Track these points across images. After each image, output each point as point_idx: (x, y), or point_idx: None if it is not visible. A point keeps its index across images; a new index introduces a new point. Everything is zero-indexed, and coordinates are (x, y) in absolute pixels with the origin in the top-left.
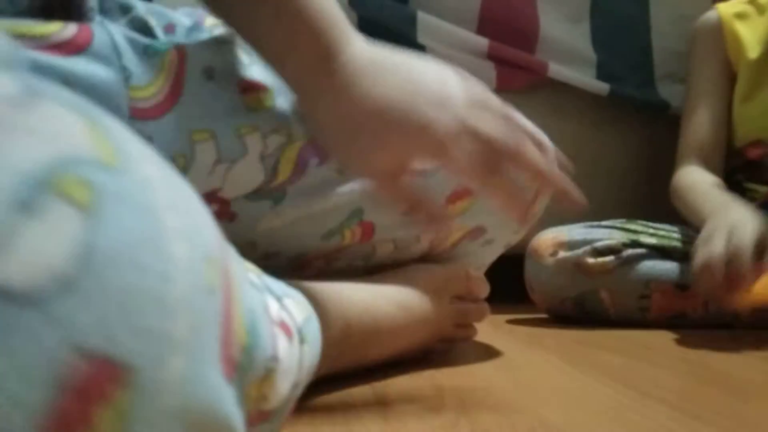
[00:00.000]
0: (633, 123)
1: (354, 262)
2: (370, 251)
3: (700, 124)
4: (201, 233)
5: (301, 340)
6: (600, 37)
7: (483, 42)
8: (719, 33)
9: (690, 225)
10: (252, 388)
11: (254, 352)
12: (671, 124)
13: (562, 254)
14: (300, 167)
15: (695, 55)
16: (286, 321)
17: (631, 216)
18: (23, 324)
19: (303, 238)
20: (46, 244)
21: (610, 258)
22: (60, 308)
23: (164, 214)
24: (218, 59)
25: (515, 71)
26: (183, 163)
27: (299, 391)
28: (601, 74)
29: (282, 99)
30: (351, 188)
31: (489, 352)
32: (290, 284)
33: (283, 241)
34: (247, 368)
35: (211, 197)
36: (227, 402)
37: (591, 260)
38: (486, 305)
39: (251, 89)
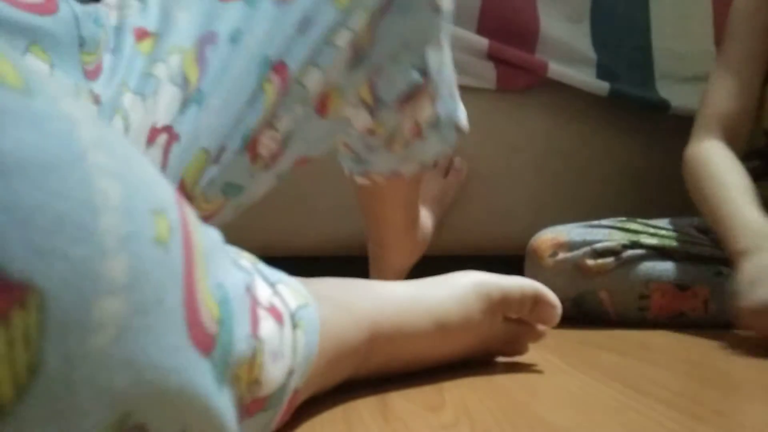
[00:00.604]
0: (633, 123)
1: (295, 112)
2: (301, 90)
3: (728, 90)
4: (144, 185)
5: (294, 325)
6: (600, 37)
7: (483, 42)
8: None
9: (694, 211)
10: (241, 370)
11: (231, 327)
12: (671, 124)
13: (561, 255)
14: (201, 63)
15: (735, 12)
16: (276, 305)
17: (631, 215)
18: None
19: (234, 119)
20: None
21: (609, 259)
22: None
23: (86, 148)
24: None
25: (515, 71)
26: (123, 119)
27: (297, 380)
28: (601, 74)
29: (167, 39)
30: (250, 49)
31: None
32: (319, 280)
33: (222, 134)
34: (227, 344)
35: (154, 132)
36: (200, 375)
37: (590, 262)
38: (544, 330)
39: (144, 36)
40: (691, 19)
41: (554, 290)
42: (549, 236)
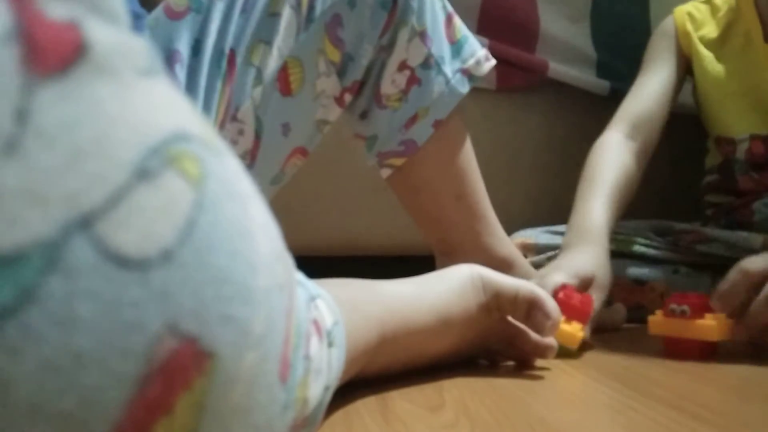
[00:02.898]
0: None
1: (253, 97)
2: (253, 71)
3: (641, 94)
4: (273, 229)
5: (330, 344)
6: (600, 37)
7: (483, 42)
8: (672, 29)
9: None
10: (299, 391)
11: (298, 351)
12: (671, 124)
13: (529, 258)
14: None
15: (649, 52)
16: (318, 321)
17: (631, 215)
18: (129, 295)
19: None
20: (158, 214)
21: None
22: (160, 280)
23: (252, 205)
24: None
25: (515, 71)
26: None
27: (329, 395)
28: (602, 73)
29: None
30: (209, 52)
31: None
32: (327, 282)
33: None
34: (295, 369)
35: None
36: (278, 404)
37: None
38: (548, 343)
39: None
40: None
41: None
42: (519, 240)
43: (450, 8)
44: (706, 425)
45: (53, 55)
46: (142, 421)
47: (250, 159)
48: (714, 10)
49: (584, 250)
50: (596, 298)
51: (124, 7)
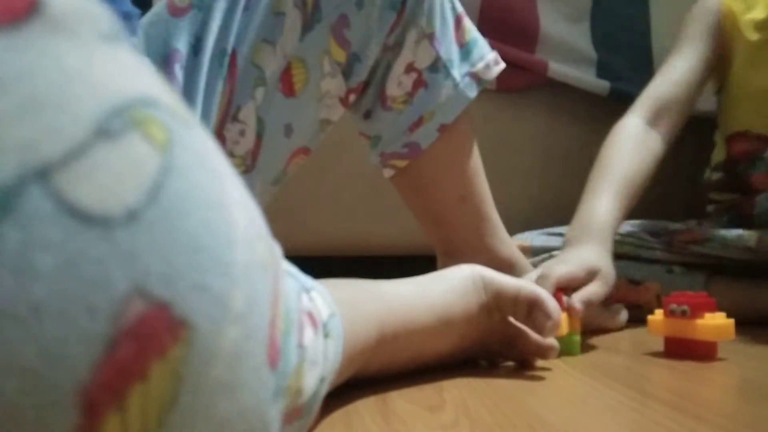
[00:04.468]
0: None
1: (256, 98)
2: (256, 72)
3: (669, 77)
4: (253, 209)
5: (326, 335)
6: (600, 37)
7: None
8: (715, 10)
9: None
10: (291, 380)
11: (290, 338)
12: None
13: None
14: (171, 82)
15: (685, 27)
16: (313, 312)
17: (631, 215)
18: (91, 251)
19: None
20: (121, 173)
21: None
22: (125, 239)
23: (226, 180)
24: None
25: (515, 71)
26: None
27: (325, 387)
28: (602, 73)
29: None
30: (209, 51)
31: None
32: (326, 282)
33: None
34: (287, 356)
35: None
36: (266, 390)
37: None
38: (550, 343)
39: None
40: None
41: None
42: (516, 243)
43: (460, 8)
44: (706, 425)
45: (3, 10)
46: (114, 385)
47: (251, 159)
48: None
49: (588, 247)
50: (599, 290)
51: None
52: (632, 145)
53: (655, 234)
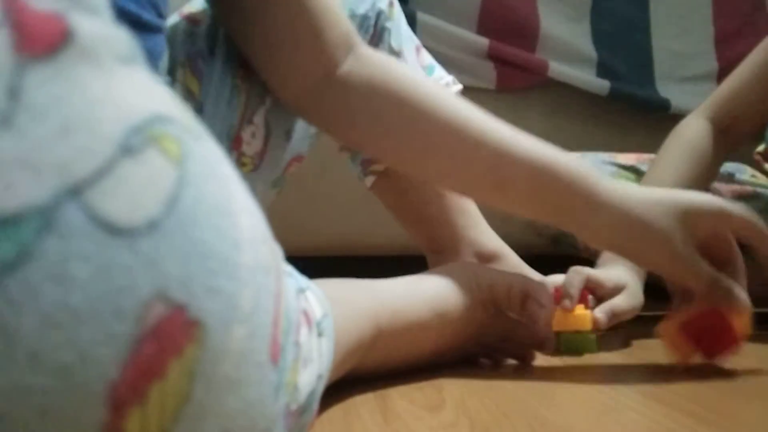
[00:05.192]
0: (633, 123)
1: (266, 102)
2: None
3: (738, 87)
4: (257, 214)
5: (319, 333)
6: (600, 37)
7: (483, 42)
8: None
9: None
10: (289, 376)
11: (289, 336)
12: (671, 124)
13: None
14: (198, 74)
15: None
16: (307, 311)
17: None
18: (119, 259)
19: (221, 120)
20: (143, 186)
21: None
22: (147, 247)
23: (233, 186)
24: None
25: (515, 71)
26: None
27: (322, 385)
28: (602, 73)
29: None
30: (224, 51)
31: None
32: (322, 281)
33: (213, 137)
34: (286, 352)
35: None
36: (268, 385)
37: None
38: (545, 335)
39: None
40: (691, 19)
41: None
42: None
43: (417, 41)
44: (706, 425)
45: (42, 40)
46: (137, 383)
47: (258, 160)
48: None
49: (620, 268)
50: (623, 303)
51: (104, 1)
52: (687, 149)
53: None
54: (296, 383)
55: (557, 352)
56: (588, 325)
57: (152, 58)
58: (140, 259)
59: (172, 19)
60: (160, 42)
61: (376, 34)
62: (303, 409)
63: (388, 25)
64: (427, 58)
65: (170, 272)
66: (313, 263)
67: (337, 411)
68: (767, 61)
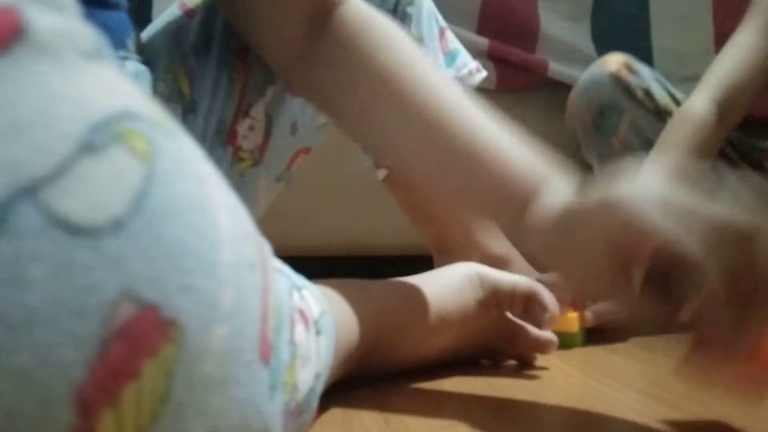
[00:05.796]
0: None
1: (266, 95)
2: (266, 68)
3: (735, 59)
4: (239, 211)
5: (317, 332)
6: (601, 36)
7: (483, 42)
8: None
9: None
10: (285, 376)
11: (281, 335)
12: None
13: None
14: (190, 75)
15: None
16: (304, 310)
17: None
18: (80, 259)
19: (216, 116)
20: (106, 185)
21: None
22: (112, 247)
23: (210, 184)
24: None
25: (515, 71)
26: None
27: (321, 384)
28: None
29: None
30: (217, 45)
31: None
32: (321, 282)
33: (207, 132)
34: (279, 351)
35: None
36: (260, 384)
37: None
38: (548, 337)
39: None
40: (691, 19)
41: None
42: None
43: (443, 22)
44: (707, 427)
45: None
46: (107, 384)
47: (259, 154)
48: None
49: None
50: (613, 308)
51: None
52: (691, 132)
53: None
54: (295, 382)
55: None
56: (575, 327)
57: (115, 35)
58: (104, 258)
59: (172, 11)
60: (123, 19)
61: (395, 18)
62: (302, 409)
63: (409, 10)
64: (452, 42)
65: (138, 271)
66: (313, 263)
67: (337, 411)
68: (758, 42)
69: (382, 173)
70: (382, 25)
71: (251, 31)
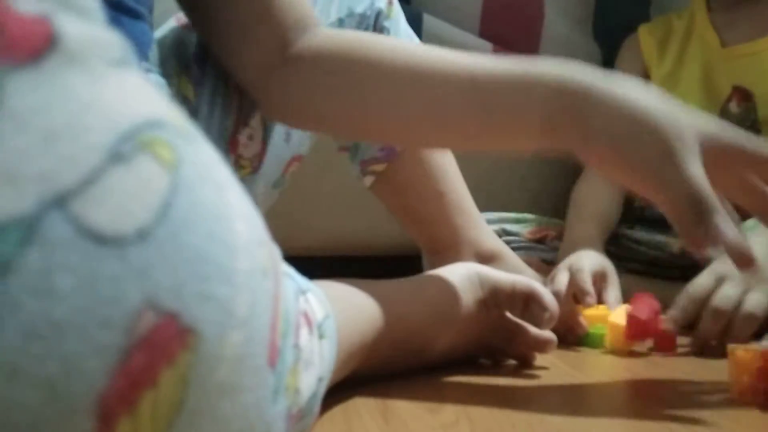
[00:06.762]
0: None
1: None
2: None
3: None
4: (254, 217)
5: (321, 336)
6: (603, 36)
7: (486, 46)
8: (637, 44)
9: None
10: (288, 380)
11: (287, 339)
12: None
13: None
14: (194, 79)
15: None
16: (308, 313)
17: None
18: (106, 270)
19: (217, 122)
20: (133, 194)
21: None
22: (136, 257)
23: (228, 191)
24: None
25: None
26: None
27: (324, 388)
28: None
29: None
30: None
31: None
32: (321, 283)
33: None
34: (284, 355)
35: None
36: (266, 388)
37: None
38: (548, 337)
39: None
40: None
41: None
42: None
43: (417, 40)
44: (706, 427)
45: (24, 45)
46: (126, 392)
47: (258, 162)
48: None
49: (589, 253)
50: (618, 292)
51: (96, 3)
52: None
53: None
54: (297, 386)
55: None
56: (624, 319)
57: (138, 46)
58: (129, 268)
59: (169, 25)
60: (145, 30)
61: (375, 33)
62: (304, 413)
63: (386, 24)
64: None
65: (161, 280)
66: (314, 263)
67: (337, 411)
68: None
69: (369, 180)
70: (356, 33)
71: (219, 53)
